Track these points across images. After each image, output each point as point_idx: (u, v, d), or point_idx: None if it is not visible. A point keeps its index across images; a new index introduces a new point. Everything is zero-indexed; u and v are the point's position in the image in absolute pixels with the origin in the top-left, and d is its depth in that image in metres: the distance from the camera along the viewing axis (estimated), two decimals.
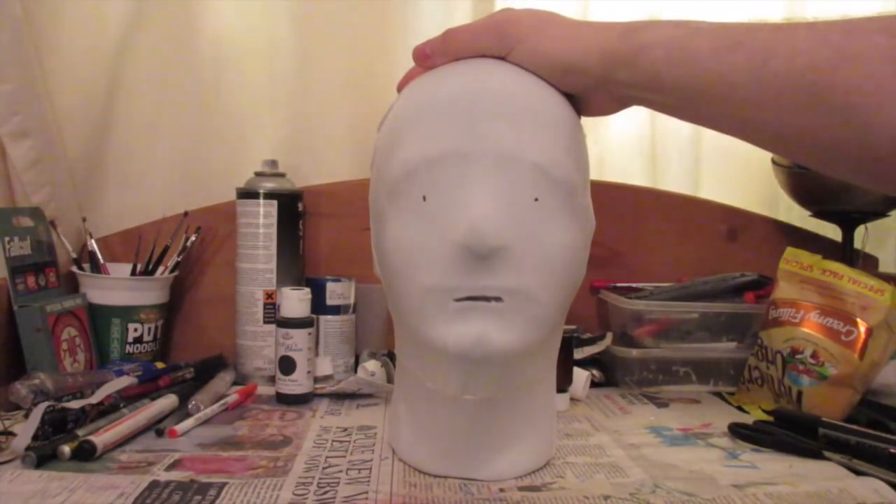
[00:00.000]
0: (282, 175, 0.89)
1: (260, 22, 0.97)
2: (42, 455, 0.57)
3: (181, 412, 0.71)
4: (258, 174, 0.89)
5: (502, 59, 0.53)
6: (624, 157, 1.09)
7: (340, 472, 0.58)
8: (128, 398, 0.70)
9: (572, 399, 0.81)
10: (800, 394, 0.77)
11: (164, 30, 0.95)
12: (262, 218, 0.86)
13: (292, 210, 0.88)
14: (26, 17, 0.83)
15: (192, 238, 0.90)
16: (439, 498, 0.54)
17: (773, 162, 1.00)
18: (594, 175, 0.58)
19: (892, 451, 0.62)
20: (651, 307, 0.89)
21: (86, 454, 0.59)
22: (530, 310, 0.51)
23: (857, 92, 0.38)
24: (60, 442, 0.59)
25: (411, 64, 0.57)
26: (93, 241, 0.88)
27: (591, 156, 0.57)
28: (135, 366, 0.80)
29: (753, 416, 0.78)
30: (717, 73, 0.42)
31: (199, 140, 0.97)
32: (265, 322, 0.86)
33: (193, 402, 0.72)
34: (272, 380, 0.82)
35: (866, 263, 1.02)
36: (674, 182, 1.09)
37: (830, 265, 0.80)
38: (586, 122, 0.56)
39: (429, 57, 0.55)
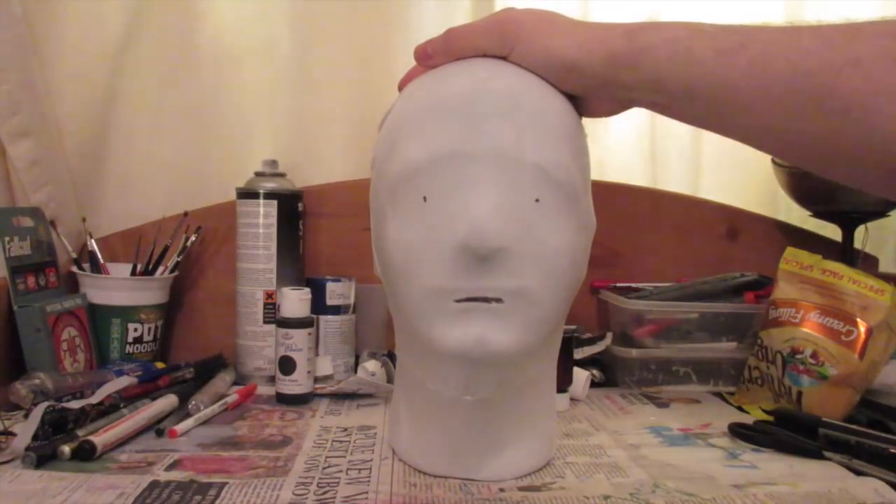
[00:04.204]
0: (282, 175, 0.89)
1: (260, 22, 0.98)
2: (42, 455, 0.57)
3: (181, 412, 0.71)
4: (258, 174, 0.89)
5: (504, 58, 0.53)
6: (624, 157, 1.09)
7: (340, 472, 0.58)
8: (128, 398, 0.70)
9: (572, 399, 0.81)
10: (800, 394, 0.77)
11: (164, 30, 0.94)
12: (262, 218, 0.86)
13: (292, 210, 0.88)
14: (26, 17, 0.83)
15: (192, 238, 0.90)
16: (439, 498, 0.54)
17: (774, 162, 1.00)
18: (594, 175, 0.58)
19: (892, 451, 0.62)
20: (651, 307, 0.89)
21: (86, 454, 0.58)
22: (530, 311, 0.51)
23: (860, 95, 0.37)
24: (60, 442, 0.59)
25: (411, 63, 0.57)
26: (93, 241, 0.88)
27: (591, 156, 0.57)
28: (135, 366, 0.80)
29: (753, 416, 0.78)
30: (719, 75, 0.42)
31: (199, 140, 0.97)
32: (265, 322, 0.86)
33: (193, 402, 0.71)
34: (272, 380, 0.82)
35: (866, 263, 1.02)
36: (674, 182, 1.09)
37: (830, 265, 0.80)
38: (586, 122, 0.56)
39: (430, 56, 0.55)
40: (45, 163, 0.85)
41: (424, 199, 0.51)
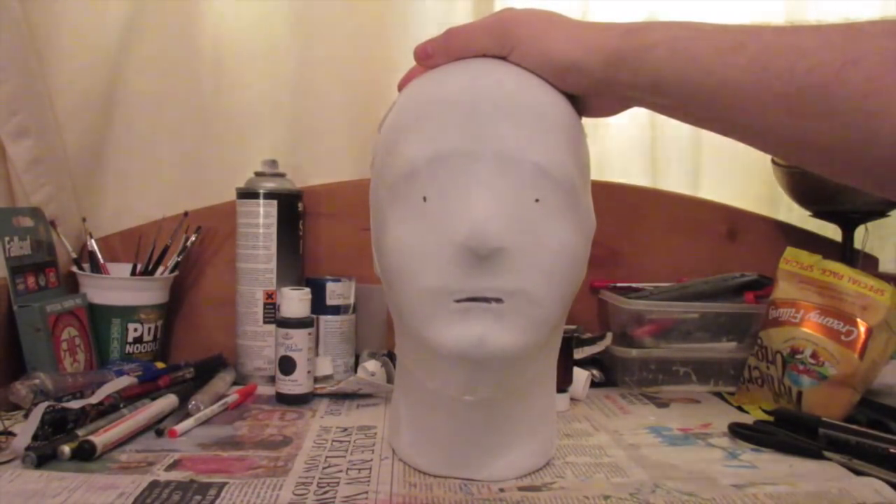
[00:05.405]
0: (282, 175, 0.89)
1: (260, 22, 0.98)
2: (42, 455, 0.57)
3: (181, 412, 0.71)
4: (258, 174, 0.89)
5: (503, 58, 0.53)
6: (624, 157, 1.09)
7: (340, 472, 0.58)
8: (128, 398, 0.70)
9: (572, 399, 0.81)
10: (800, 394, 0.77)
11: (164, 30, 0.94)
12: (262, 218, 0.86)
13: (292, 210, 0.88)
14: (26, 17, 0.83)
15: (192, 238, 0.90)
16: (439, 498, 0.54)
17: (774, 162, 1.00)
18: (594, 175, 0.58)
19: (892, 451, 0.62)
20: (651, 307, 0.89)
21: (86, 454, 0.58)
22: (530, 311, 0.51)
23: (860, 95, 0.38)
24: (60, 442, 0.59)
25: (411, 63, 0.57)
26: (93, 241, 0.88)
27: (591, 156, 0.57)
28: (135, 366, 0.80)
29: (753, 416, 0.78)
30: (719, 74, 0.42)
31: (199, 140, 0.97)
32: (265, 322, 0.86)
33: (193, 402, 0.72)
34: (272, 380, 0.82)
35: (866, 263, 1.02)
36: (674, 182, 1.09)
37: (830, 265, 0.80)
38: (586, 122, 0.56)
39: (430, 56, 0.55)
40: (45, 163, 0.85)
41: (424, 199, 0.51)
